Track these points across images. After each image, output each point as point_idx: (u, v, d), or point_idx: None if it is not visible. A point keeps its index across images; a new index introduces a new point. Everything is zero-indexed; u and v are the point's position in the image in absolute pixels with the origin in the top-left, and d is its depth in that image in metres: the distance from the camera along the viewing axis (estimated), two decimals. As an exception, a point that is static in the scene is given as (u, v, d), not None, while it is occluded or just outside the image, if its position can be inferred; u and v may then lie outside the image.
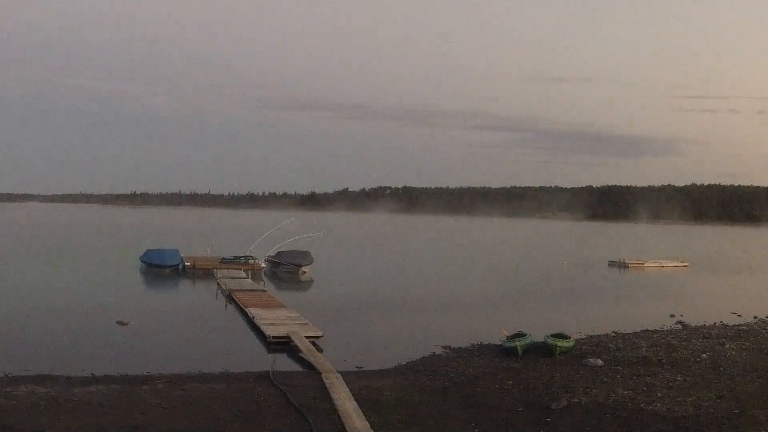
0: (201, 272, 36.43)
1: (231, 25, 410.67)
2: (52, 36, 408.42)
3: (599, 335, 20.52)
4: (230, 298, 26.60)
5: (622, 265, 48.42)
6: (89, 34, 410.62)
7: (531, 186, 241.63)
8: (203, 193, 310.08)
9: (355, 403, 12.13)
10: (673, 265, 50.45)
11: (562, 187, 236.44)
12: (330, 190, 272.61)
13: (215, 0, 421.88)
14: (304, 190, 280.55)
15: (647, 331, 21.61)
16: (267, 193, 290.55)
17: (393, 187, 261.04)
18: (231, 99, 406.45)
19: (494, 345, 18.52)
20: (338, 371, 14.63)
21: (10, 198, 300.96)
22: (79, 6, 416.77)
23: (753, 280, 44.62)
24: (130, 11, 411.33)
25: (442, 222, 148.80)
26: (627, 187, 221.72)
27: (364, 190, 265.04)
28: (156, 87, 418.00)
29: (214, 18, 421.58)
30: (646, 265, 49.52)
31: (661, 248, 69.90)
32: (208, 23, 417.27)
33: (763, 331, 21.36)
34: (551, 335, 17.96)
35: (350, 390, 13.04)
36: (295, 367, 16.06)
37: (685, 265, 50.32)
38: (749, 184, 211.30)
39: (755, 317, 25.06)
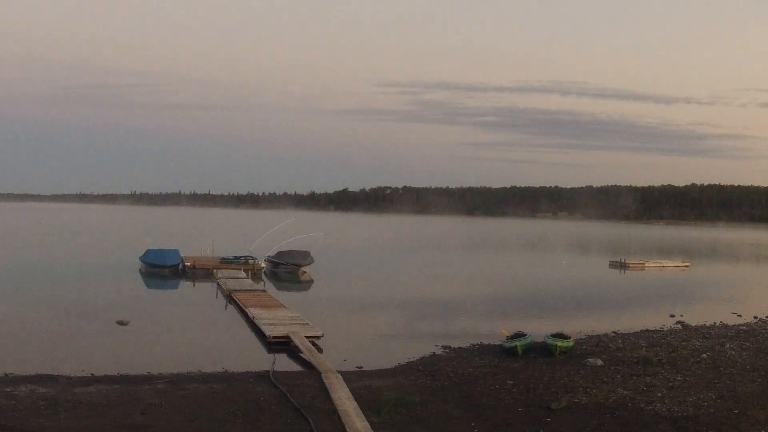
0: (201, 272, 36.39)
1: (235, 25, 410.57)
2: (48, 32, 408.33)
3: (599, 335, 20.50)
4: (230, 298, 26.59)
5: (623, 266, 48.36)
6: (89, 31, 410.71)
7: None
8: (203, 193, 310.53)
9: (355, 403, 12.12)
10: (673, 265, 50.34)
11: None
12: (330, 191, 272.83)
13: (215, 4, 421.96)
14: (304, 191, 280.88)
15: (647, 331, 21.60)
16: (267, 193, 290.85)
17: (393, 187, 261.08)
18: (232, 98, 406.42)
19: (494, 345, 18.51)
20: (338, 371, 14.62)
21: (10, 198, 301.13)
22: (75, 3, 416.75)
23: (754, 280, 44.61)
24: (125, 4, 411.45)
25: (441, 222, 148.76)
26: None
27: (363, 190, 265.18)
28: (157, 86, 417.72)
29: (205, 20, 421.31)
30: (646, 265, 49.44)
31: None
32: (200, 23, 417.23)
33: (763, 331, 21.35)
34: (551, 335, 17.96)
35: (350, 390, 13.03)
36: (295, 367, 16.06)
37: (686, 266, 50.23)
38: None
39: (755, 317, 25.05)
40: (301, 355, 16.73)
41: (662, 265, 50.07)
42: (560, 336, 17.99)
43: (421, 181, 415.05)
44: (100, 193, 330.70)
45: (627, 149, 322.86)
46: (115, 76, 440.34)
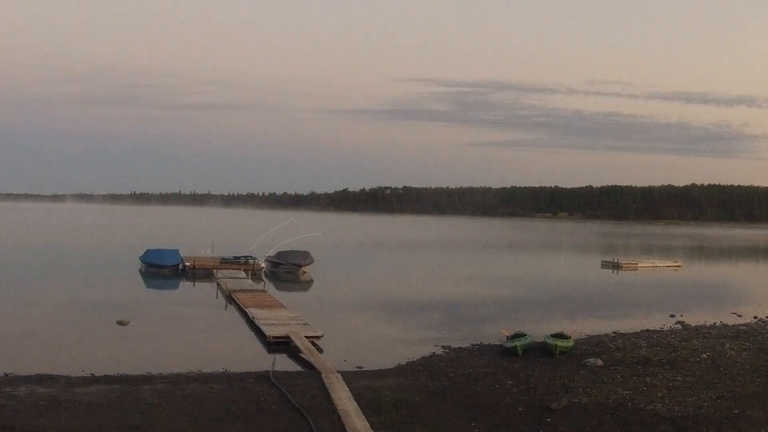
0: (201, 272, 36.40)
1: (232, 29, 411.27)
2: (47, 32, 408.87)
3: (599, 335, 20.51)
4: (230, 298, 26.59)
5: (616, 266, 48.17)
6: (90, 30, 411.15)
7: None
8: (203, 193, 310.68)
9: (355, 403, 12.12)
10: (666, 265, 50.17)
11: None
12: (330, 191, 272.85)
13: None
14: (305, 191, 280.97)
15: (647, 331, 21.61)
16: (267, 193, 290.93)
17: (393, 187, 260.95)
18: (232, 99, 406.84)
19: (494, 345, 18.52)
20: (338, 371, 14.62)
21: (11, 198, 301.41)
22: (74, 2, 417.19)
23: (749, 280, 44.62)
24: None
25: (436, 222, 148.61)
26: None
27: (363, 190, 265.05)
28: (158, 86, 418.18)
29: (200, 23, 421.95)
30: (639, 265, 49.23)
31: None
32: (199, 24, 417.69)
33: (763, 331, 21.36)
34: (551, 335, 17.95)
35: (350, 390, 13.03)
36: (295, 367, 16.06)
37: (678, 266, 50.09)
38: None
39: (755, 317, 25.05)
40: (301, 355, 16.73)
41: (654, 265, 49.95)
42: (560, 336, 17.99)
43: (421, 181, 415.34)
44: (101, 193, 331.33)
45: (633, 149, 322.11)
46: (115, 77, 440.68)
